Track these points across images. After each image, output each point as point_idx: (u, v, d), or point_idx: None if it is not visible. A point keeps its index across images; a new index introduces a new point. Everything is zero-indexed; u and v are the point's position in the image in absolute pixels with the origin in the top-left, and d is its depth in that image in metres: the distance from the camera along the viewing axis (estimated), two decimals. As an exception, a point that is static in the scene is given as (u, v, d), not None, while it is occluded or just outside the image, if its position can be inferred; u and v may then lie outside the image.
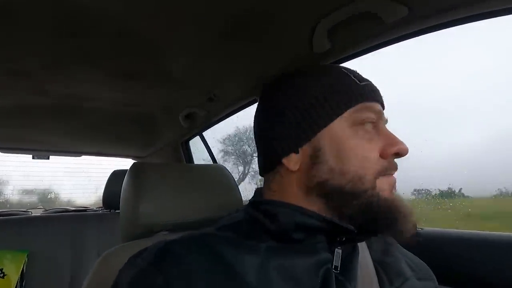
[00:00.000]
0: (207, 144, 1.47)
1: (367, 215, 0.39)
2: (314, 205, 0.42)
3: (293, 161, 0.43)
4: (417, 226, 0.77)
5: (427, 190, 1.14)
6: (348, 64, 0.68)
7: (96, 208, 1.88)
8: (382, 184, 0.40)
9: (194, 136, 1.48)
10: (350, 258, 0.41)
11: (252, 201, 0.47)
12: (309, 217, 0.40)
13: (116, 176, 1.58)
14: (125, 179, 0.67)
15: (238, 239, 0.40)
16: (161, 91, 1.02)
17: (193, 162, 1.63)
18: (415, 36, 0.56)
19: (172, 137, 1.50)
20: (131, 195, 0.62)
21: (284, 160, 0.43)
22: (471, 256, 0.66)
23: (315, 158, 0.42)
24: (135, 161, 1.93)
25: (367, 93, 0.43)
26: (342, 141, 0.41)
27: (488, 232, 0.67)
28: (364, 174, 0.40)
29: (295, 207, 0.42)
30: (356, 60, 0.66)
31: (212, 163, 1.53)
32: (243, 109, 1.08)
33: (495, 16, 0.48)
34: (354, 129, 0.42)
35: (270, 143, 0.45)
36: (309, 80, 0.45)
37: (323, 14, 0.56)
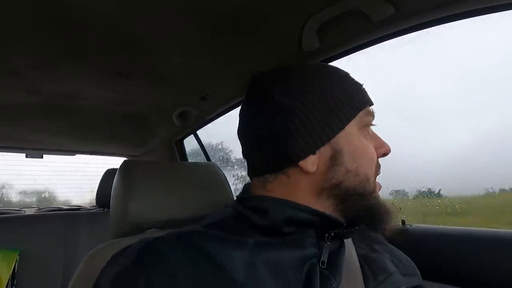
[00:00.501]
0: (201, 143, 1.47)
1: (369, 216, 0.42)
2: (322, 205, 0.42)
3: (310, 163, 0.41)
4: (406, 223, 0.79)
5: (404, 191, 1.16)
6: (336, 63, 0.69)
7: (90, 207, 1.87)
8: (376, 187, 0.44)
9: (188, 135, 1.48)
10: (336, 254, 0.42)
11: (240, 197, 0.46)
12: (300, 211, 0.40)
13: (110, 175, 1.58)
14: (115, 177, 0.67)
15: (225, 236, 0.39)
16: (154, 90, 1.02)
17: (187, 161, 1.63)
18: (402, 35, 0.56)
19: (166, 135, 1.50)
20: (121, 192, 0.62)
21: (301, 163, 0.41)
22: (458, 252, 0.67)
23: (334, 160, 0.41)
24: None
25: (368, 96, 0.46)
26: (355, 143, 0.42)
27: (474, 228, 0.67)
28: (370, 176, 0.43)
29: (283, 201, 0.41)
30: (343, 59, 0.67)
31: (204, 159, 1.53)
32: (236, 107, 1.08)
33: (481, 15, 0.49)
34: (361, 131, 0.44)
35: (281, 143, 0.42)
36: (326, 79, 0.44)
37: (312, 12, 0.56)
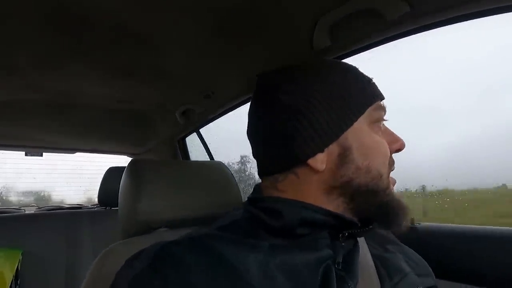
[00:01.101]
0: (204, 141, 1.47)
1: (382, 212, 0.41)
2: (333, 204, 0.42)
3: (319, 161, 0.41)
4: (415, 222, 0.80)
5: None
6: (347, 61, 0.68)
7: (91, 205, 1.86)
8: (390, 182, 0.43)
9: (190, 133, 1.47)
10: (351, 254, 0.41)
11: (252, 198, 0.46)
12: (314, 212, 0.40)
13: (112, 173, 1.57)
14: (123, 176, 0.66)
15: (239, 238, 0.39)
16: (157, 88, 1.01)
17: (190, 159, 1.62)
18: (416, 33, 0.56)
19: (168, 134, 1.48)
20: (130, 192, 0.62)
21: (310, 161, 0.41)
22: (467, 250, 0.67)
23: (343, 157, 0.41)
24: (130, 158, 1.91)
25: (378, 91, 0.45)
26: (365, 139, 0.42)
27: (482, 226, 0.68)
28: (383, 172, 0.42)
29: (296, 202, 0.41)
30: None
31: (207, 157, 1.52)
32: (241, 105, 1.07)
33: (497, 14, 0.48)
34: (372, 127, 0.43)
35: (289, 142, 0.42)
36: (332, 75, 0.43)
37: (324, 10, 0.55)
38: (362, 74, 0.45)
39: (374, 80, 0.46)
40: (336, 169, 0.41)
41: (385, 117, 0.46)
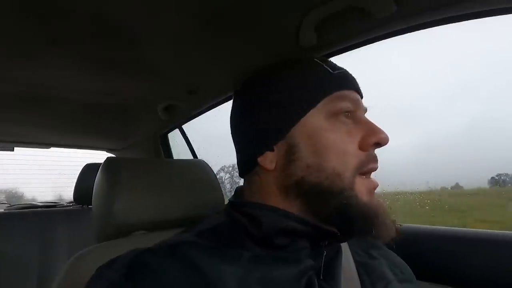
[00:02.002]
0: (187, 138, 1.43)
1: (343, 217, 0.37)
2: (294, 206, 0.40)
3: (268, 160, 0.41)
4: (396, 223, 0.80)
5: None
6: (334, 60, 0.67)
7: (67, 203, 1.78)
8: (361, 186, 0.39)
9: (173, 129, 1.43)
10: (333, 263, 0.40)
11: (233, 202, 0.44)
12: (293, 221, 0.38)
13: (90, 169, 1.50)
14: (98, 174, 0.63)
15: (219, 247, 0.37)
16: (138, 81, 0.97)
17: (172, 156, 1.58)
18: (404, 33, 0.55)
19: (150, 129, 1.44)
20: (105, 192, 0.58)
21: (260, 159, 0.41)
22: (447, 251, 0.68)
23: (290, 155, 0.40)
24: (109, 154, 1.85)
25: (341, 81, 0.42)
26: (318, 135, 0.39)
27: (463, 228, 0.69)
28: (342, 171, 0.38)
29: (277, 210, 0.39)
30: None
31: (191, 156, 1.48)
32: (225, 102, 1.05)
33: (483, 17, 0.48)
34: (331, 121, 0.39)
35: (245, 143, 0.43)
36: (277, 75, 0.43)
37: (311, 7, 0.54)
38: (316, 65, 0.43)
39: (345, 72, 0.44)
40: (285, 168, 0.40)
41: (364, 107, 0.43)
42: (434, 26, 0.53)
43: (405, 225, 0.77)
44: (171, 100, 1.10)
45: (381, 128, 0.40)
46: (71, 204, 1.70)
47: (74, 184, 1.51)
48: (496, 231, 0.65)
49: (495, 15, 0.49)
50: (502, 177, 1.13)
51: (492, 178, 1.15)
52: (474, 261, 0.63)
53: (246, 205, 0.42)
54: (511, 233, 0.62)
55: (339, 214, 0.38)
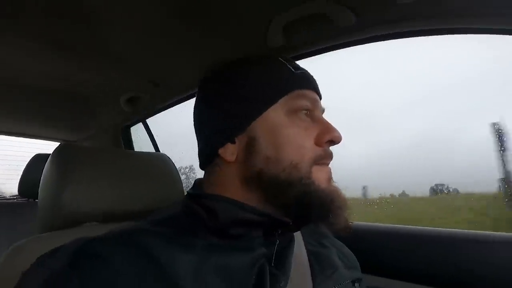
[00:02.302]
0: (151, 132, 1.38)
1: (302, 204, 0.39)
2: (253, 197, 0.41)
3: (229, 152, 0.42)
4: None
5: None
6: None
7: (10, 196, 1.63)
8: (318, 174, 0.40)
9: (136, 122, 1.38)
10: (285, 251, 0.42)
11: (191, 194, 0.45)
12: (248, 212, 0.40)
13: (39, 160, 1.39)
14: (47, 162, 0.58)
15: (173, 235, 0.37)
16: (99, 69, 0.92)
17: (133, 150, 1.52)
18: (364, 43, 0.59)
19: (110, 121, 1.37)
20: (54, 180, 0.55)
21: (221, 151, 0.42)
22: (396, 247, 0.73)
23: (251, 147, 0.41)
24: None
25: (302, 80, 0.44)
26: (278, 129, 0.41)
27: (411, 226, 0.75)
28: (299, 162, 0.40)
29: (234, 202, 0.40)
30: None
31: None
32: (191, 98, 1.03)
33: (436, 35, 0.54)
34: (290, 117, 0.42)
35: (207, 135, 0.44)
36: (241, 70, 0.45)
37: (280, 8, 0.56)
38: (279, 64, 0.44)
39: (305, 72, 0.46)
40: (246, 160, 0.41)
41: (322, 107, 0.46)
42: (393, 39, 0.58)
43: (356, 222, 0.82)
44: (135, 91, 1.06)
45: (336, 127, 0.43)
46: (15, 197, 1.55)
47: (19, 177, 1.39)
48: (437, 228, 0.71)
49: (452, 34, 0.54)
50: (439, 187, 1.32)
51: (431, 187, 1.32)
52: (421, 256, 0.69)
53: (204, 197, 0.42)
54: (450, 230, 0.69)
55: (298, 202, 0.39)
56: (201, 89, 0.48)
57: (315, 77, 0.48)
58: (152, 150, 1.42)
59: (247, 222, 0.40)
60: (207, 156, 0.45)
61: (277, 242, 0.41)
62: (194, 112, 0.48)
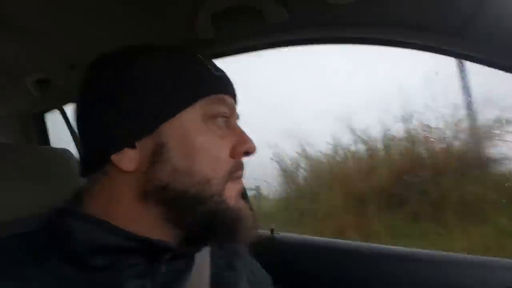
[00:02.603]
0: (69, 122, 1.21)
1: (208, 223, 0.35)
2: (150, 214, 0.34)
3: (127, 159, 0.33)
4: (274, 232, 0.83)
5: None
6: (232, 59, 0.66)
7: None
8: (230, 191, 0.36)
9: (50, 109, 1.19)
10: (177, 280, 0.35)
11: (60, 209, 0.35)
12: (113, 236, 0.32)
13: None
14: None
15: (16, 260, 0.30)
16: (6, 41, 0.76)
17: (49, 142, 1.32)
18: (295, 45, 0.58)
19: (17, 106, 1.16)
20: None
21: (114, 157, 0.33)
22: (323, 260, 0.73)
23: (157, 155, 0.34)
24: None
25: (222, 84, 0.39)
26: (192, 136, 0.35)
27: (339, 240, 0.76)
28: (213, 177, 0.35)
29: (97, 222, 0.33)
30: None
31: (74, 145, 1.27)
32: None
33: (360, 44, 0.54)
34: (207, 123, 0.36)
35: (98, 133, 0.35)
36: (155, 60, 0.36)
37: None
38: (199, 62, 0.39)
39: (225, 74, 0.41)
40: (148, 170, 0.34)
41: (237, 114, 0.41)
42: (325, 44, 0.57)
43: (283, 233, 0.80)
44: (46, 73, 0.90)
45: (250, 138, 0.39)
46: None
47: None
48: (367, 243, 0.73)
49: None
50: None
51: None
52: (347, 269, 0.69)
53: (68, 215, 0.33)
54: (380, 246, 0.71)
55: (204, 221, 0.34)
56: (94, 74, 0.37)
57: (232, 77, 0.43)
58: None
59: (112, 249, 0.32)
60: (94, 161, 0.35)
61: (163, 271, 0.34)
62: (78, 101, 0.37)
